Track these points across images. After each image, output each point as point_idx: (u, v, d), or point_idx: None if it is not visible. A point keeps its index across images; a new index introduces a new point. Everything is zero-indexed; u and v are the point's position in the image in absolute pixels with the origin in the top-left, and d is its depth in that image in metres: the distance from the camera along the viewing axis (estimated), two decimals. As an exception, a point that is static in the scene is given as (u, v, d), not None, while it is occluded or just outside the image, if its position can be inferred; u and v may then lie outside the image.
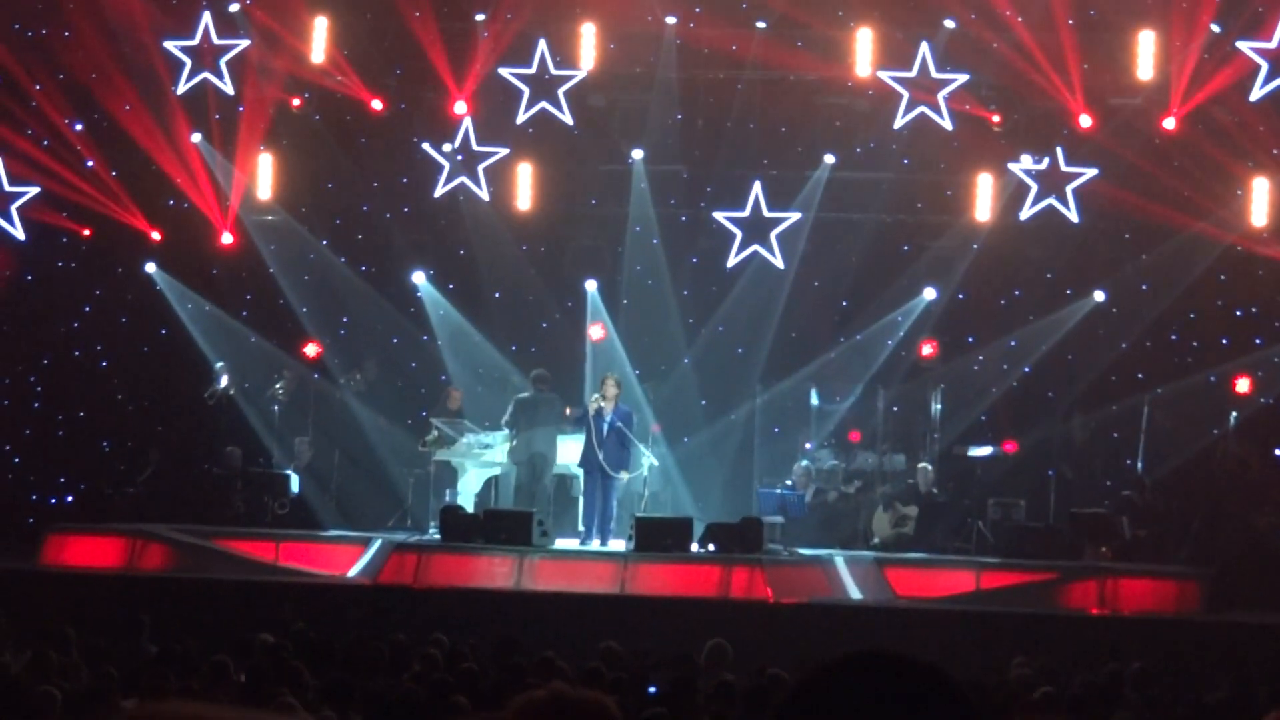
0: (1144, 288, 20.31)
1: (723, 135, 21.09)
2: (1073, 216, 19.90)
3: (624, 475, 17.53)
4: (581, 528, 17.84)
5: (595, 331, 20.87)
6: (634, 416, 17.92)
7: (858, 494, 19.64)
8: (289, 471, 19.27)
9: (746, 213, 20.48)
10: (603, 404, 17.51)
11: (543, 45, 20.37)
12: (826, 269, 21.09)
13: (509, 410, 18.80)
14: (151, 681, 9.90)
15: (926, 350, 20.67)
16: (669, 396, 20.81)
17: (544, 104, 20.34)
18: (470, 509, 18.27)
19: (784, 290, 20.79)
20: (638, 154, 20.93)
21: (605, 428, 17.41)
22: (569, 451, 18.74)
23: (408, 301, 21.48)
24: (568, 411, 18.84)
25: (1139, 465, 19.29)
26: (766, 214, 20.47)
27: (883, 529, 18.94)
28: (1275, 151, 19.67)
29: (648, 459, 18.08)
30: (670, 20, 20.67)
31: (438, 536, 17.18)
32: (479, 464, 19.21)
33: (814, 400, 21.02)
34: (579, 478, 18.51)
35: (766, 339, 20.98)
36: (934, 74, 19.98)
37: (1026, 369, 20.58)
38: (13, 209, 20.45)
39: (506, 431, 18.82)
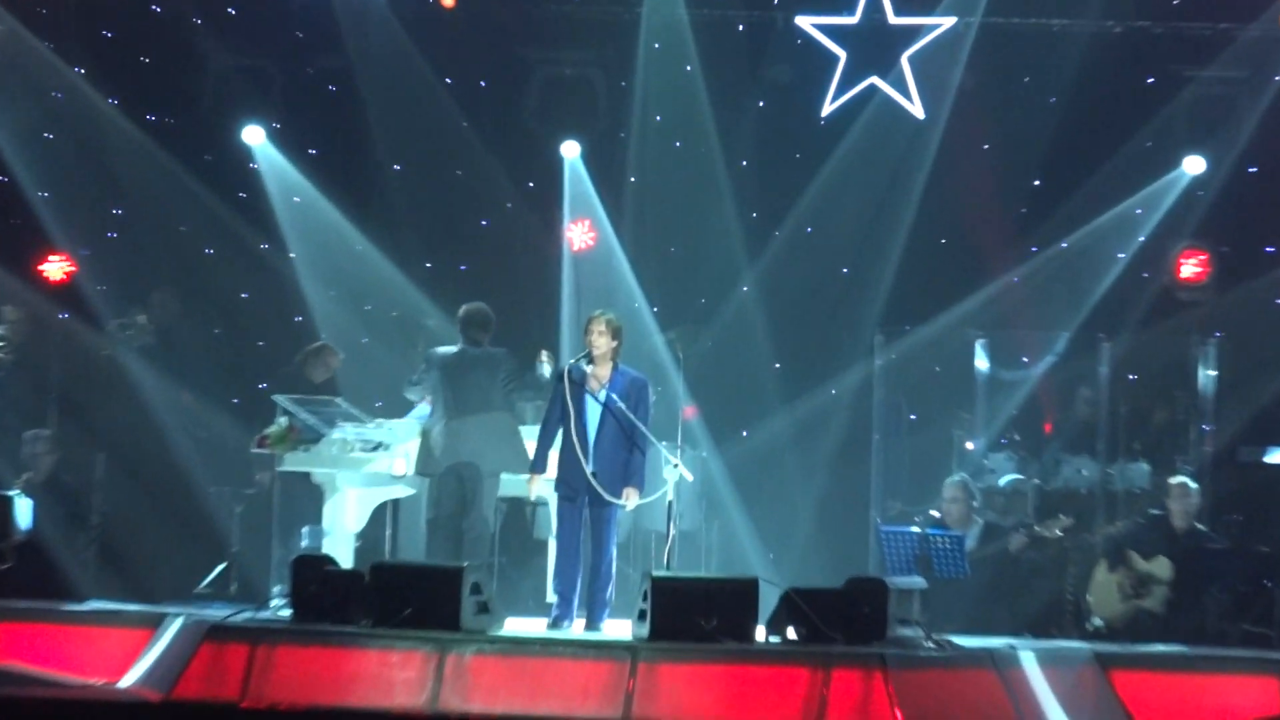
0: None
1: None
2: None
3: (630, 499, 17.12)
4: (553, 596, 17.49)
5: (579, 236, 21.47)
6: (649, 391, 17.36)
7: (1064, 536, 19.41)
8: (13, 493, 18.99)
9: (856, 18, 21.42)
10: (588, 368, 17.06)
11: None
12: (1003, 121, 21.63)
13: (417, 373, 18.31)
14: None
15: (1189, 269, 21.36)
16: (714, 355, 20.95)
17: None
18: (348, 561, 17.99)
19: (926, 160, 21.44)
20: (658, -90, 20.73)
21: (597, 413, 17.07)
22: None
23: (234, 179, 22.09)
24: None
25: None
26: (893, 20, 21.37)
27: (1109, 600, 19.05)
28: None
29: (674, 469, 17.50)
30: None
31: (286, 612, 16.58)
32: (363, 478, 18.78)
33: (981, 361, 21.27)
34: (548, 505, 18.07)
35: (894, 250, 21.62)
36: None
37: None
38: None
39: (415, 418, 18.45)
